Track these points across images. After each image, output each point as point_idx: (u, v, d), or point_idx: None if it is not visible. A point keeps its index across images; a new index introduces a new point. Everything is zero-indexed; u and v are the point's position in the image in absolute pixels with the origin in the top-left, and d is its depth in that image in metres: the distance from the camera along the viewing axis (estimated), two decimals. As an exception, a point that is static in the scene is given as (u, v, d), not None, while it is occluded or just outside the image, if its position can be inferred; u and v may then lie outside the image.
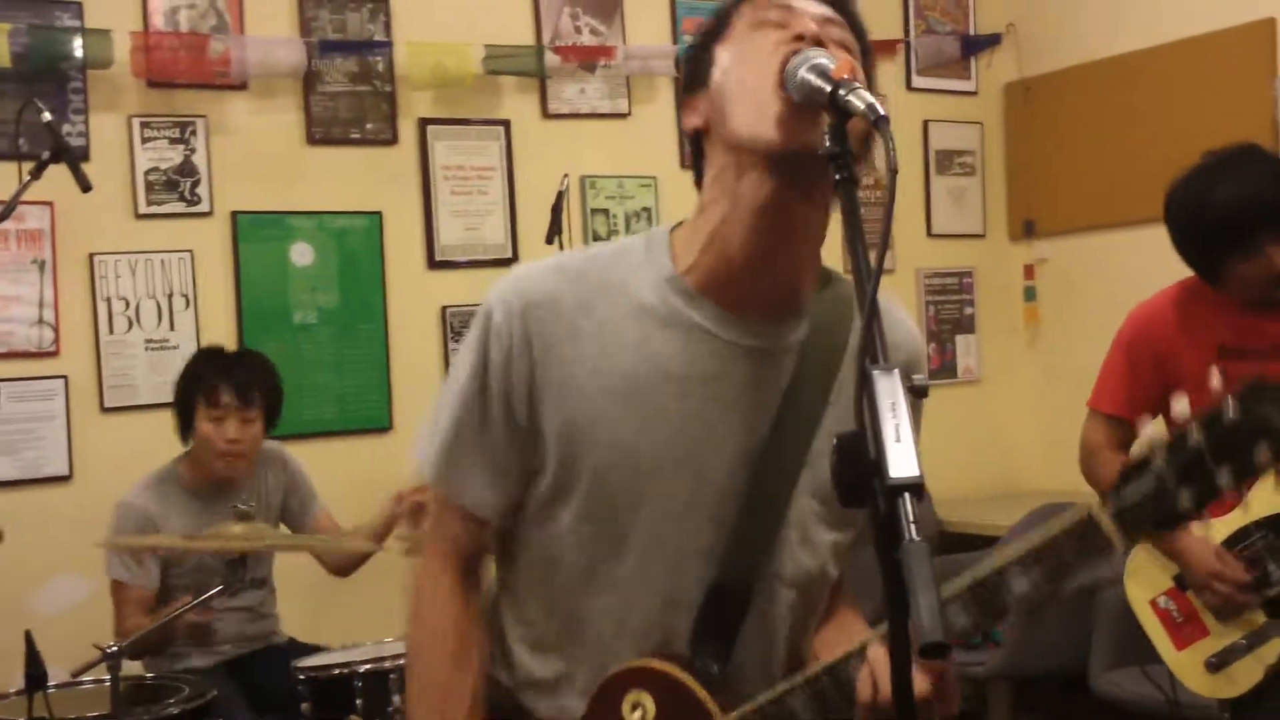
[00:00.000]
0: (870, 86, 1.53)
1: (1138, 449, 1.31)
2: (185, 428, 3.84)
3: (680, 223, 1.65)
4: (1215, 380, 2.91)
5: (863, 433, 1.18)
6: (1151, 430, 1.32)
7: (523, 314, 1.56)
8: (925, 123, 5.85)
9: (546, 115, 4.98)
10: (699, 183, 1.62)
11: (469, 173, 4.84)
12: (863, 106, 1.31)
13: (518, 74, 4.92)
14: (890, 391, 1.18)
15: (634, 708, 1.56)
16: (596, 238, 5.09)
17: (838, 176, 1.32)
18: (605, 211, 5.13)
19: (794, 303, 1.59)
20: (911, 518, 1.12)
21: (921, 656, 1.07)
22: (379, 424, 4.69)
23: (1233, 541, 2.83)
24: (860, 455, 1.18)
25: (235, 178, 4.49)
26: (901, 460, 1.14)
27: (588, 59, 5.03)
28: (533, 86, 4.97)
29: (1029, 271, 5.92)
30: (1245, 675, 2.79)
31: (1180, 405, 1.28)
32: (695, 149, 1.63)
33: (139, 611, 3.65)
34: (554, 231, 4.03)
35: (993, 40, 5.91)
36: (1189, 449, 1.28)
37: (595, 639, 1.60)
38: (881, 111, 1.29)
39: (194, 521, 3.74)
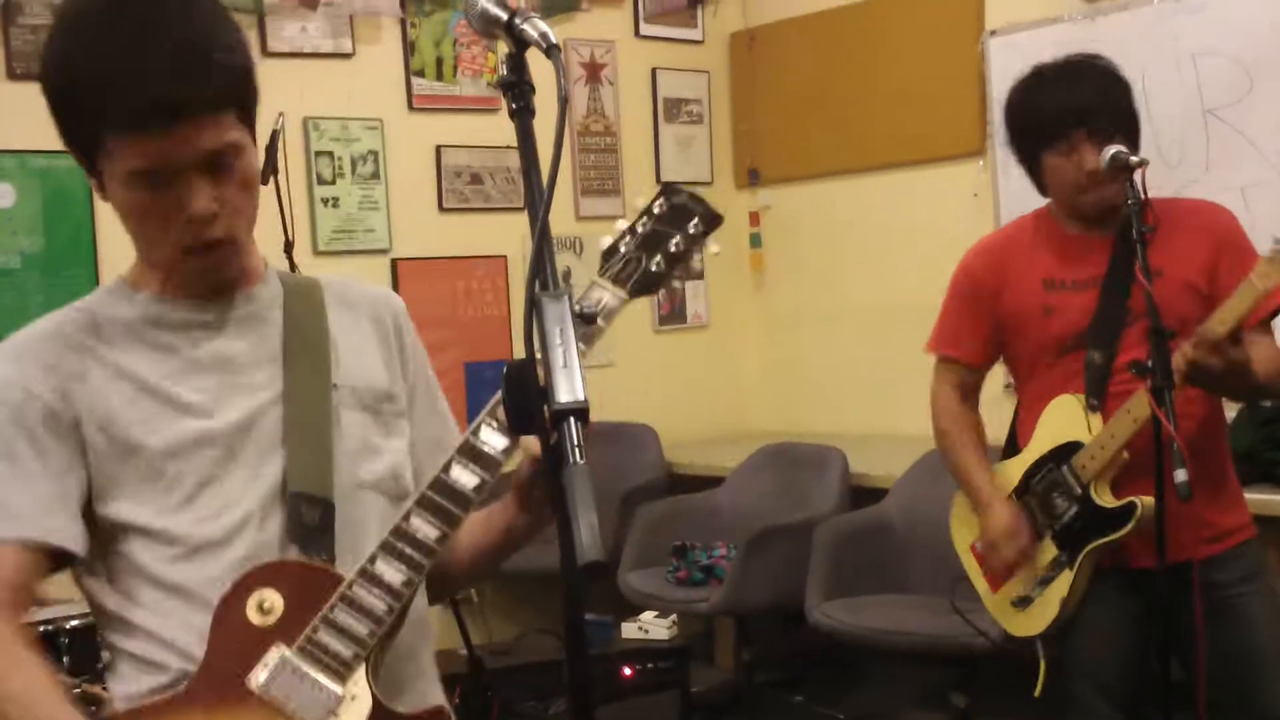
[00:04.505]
0: None
1: (604, 243, 1.71)
2: None
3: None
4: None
5: (531, 360, 1.19)
6: (608, 236, 1.72)
7: (33, 355, 1.64)
8: (654, 70, 5.91)
9: (266, 53, 4.83)
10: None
11: (184, 112, 4.66)
12: (536, 35, 1.31)
13: (234, 9, 4.71)
14: (558, 317, 1.19)
15: (259, 606, 1.59)
16: (321, 181, 4.99)
17: (513, 105, 1.32)
18: (330, 154, 5.03)
19: (253, 276, 1.75)
20: (576, 441, 1.14)
21: (583, 574, 1.09)
22: (90, 373, 4.49)
23: (1025, 482, 2.90)
24: (528, 382, 1.18)
25: (-74, 113, 4.23)
26: (567, 385, 1.15)
27: (309, -4, 4.90)
28: (251, 23, 4.80)
29: (754, 219, 6.05)
30: (1043, 611, 2.87)
31: None
32: None
33: None
34: (269, 172, 3.90)
35: (718, -11, 6.01)
36: (642, 232, 1.71)
37: (179, 607, 1.61)
38: (553, 40, 1.29)
39: None
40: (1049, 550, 2.87)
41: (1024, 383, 2.96)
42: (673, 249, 1.72)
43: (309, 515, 1.64)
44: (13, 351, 1.65)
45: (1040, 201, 2.95)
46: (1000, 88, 5.00)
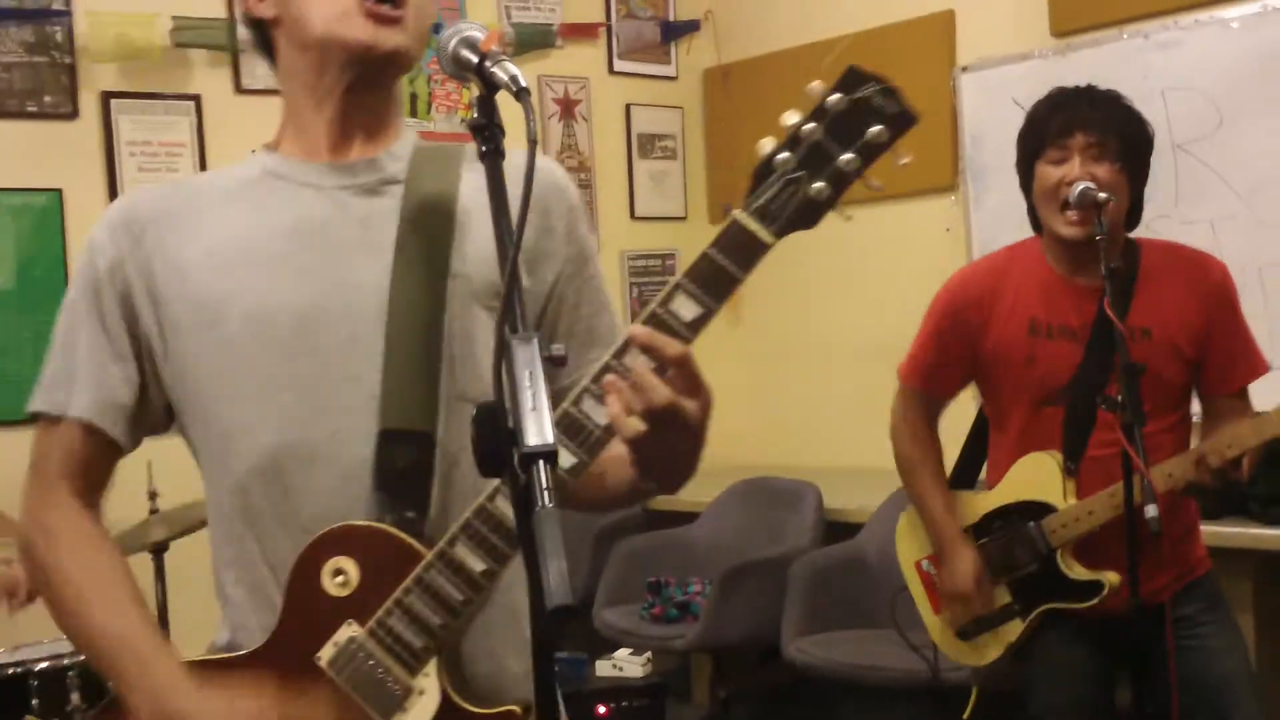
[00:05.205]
0: None
1: (762, 150, 1.39)
2: None
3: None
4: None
5: (500, 402, 1.19)
6: (767, 140, 1.40)
7: (125, 222, 1.60)
8: (628, 106, 5.93)
9: (240, 90, 4.84)
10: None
11: (157, 149, 4.67)
12: (506, 78, 1.32)
13: (208, 47, 4.77)
14: (528, 360, 1.19)
15: (335, 575, 1.50)
16: (295, 218, 4.98)
17: (483, 149, 1.32)
18: (304, 191, 5.02)
19: (384, 140, 1.65)
20: (545, 485, 1.13)
21: (552, 619, 1.09)
22: (63, 411, 4.46)
23: (986, 522, 2.90)
24: (497, 424, 1.18)
25: (-102, 150, 4.22)
26: (536, 428, 1.15)
27: (283, 34, 4.90)
28: (225, 61, 4.82)
29: (728, 254, 6.04)
30: (989, 648, 2.90)
31: None
32: (260, 36, 1.66)
33: None
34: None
35: (691, 26, 6.04)
36: (808, 142, 1.38)
37: (272, 534, 1.55)
38: (523, 83, 1.30)
39: None
40: (1001, 595, 2.87)
41: (1000, 421, 2.93)
42: (844, 166, 1.36)
43: (401, 456, 1.51)
44: (113, 218, 1.61)
45: (1013, 235, 2.95)
46: (972, 122, 5.08)
